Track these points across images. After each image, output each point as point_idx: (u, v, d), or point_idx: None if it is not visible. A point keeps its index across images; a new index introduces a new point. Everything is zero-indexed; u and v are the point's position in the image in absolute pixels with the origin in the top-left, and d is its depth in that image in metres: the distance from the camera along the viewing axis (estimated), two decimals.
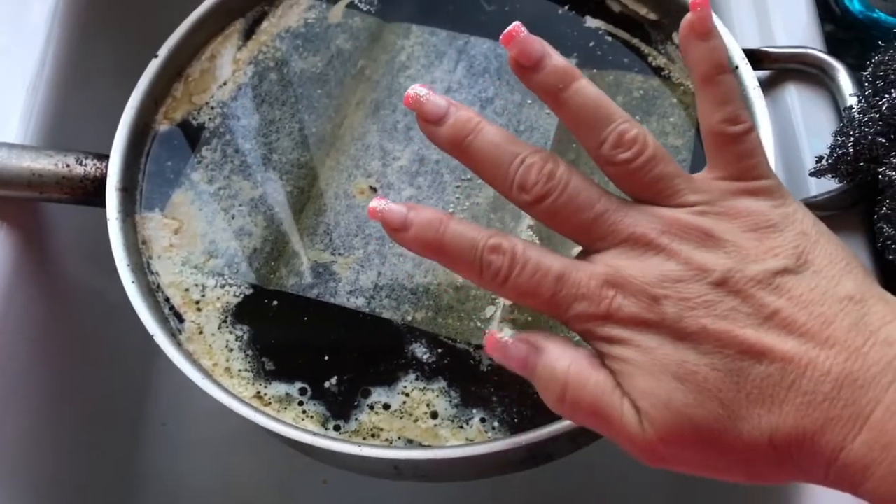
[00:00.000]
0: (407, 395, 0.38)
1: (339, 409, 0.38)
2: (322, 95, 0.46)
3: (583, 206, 0.28)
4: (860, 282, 0.26)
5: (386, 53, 0.47)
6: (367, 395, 0.38)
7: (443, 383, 0.38)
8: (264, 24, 0.48)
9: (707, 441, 0.26)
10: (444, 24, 0.48)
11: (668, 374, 0.26)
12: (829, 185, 0.41)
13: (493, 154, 0.28)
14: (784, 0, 0.48)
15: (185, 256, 0.42)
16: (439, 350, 0.39)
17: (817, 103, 0.45)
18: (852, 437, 0.24)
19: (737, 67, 0.42)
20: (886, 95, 0.38)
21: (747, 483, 0.27)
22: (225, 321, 0.40)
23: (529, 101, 0.45)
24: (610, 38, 0.47)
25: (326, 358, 0.39)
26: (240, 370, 0.39)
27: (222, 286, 0.41)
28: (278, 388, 0.38)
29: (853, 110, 0.40)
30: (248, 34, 0.48)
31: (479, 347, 0.39)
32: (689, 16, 0.29)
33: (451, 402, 0.38)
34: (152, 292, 0.40)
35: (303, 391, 0.38)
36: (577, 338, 0.32)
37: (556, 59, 0.29)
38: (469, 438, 0.37)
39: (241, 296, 0.41)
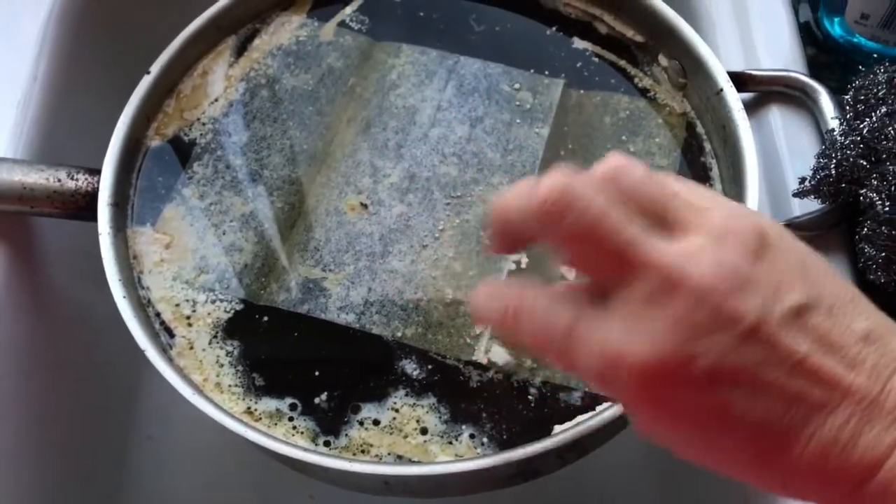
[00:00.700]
0: (397, 410, 0.38)
1: (330, 424, 0.38)
2: (313, 113, 0.47)
3: (611, 231, 0.25)
4: (870, 315, 0.26)
5: (376, 72, 0.48)
6: (356, 410, 0.38)
7: (432, 399, 0.39)
8: (256, 41, 0.49)
9: (727, 467, 0.26)
10: (434, 43, 0.49)
11: (695, 436, 0.26)
12: (811, 205, 0.42)
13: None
14: (767, 24, 0.49)
15: (176, 271, 0.42)
16: (429, 366, 0.39)
17: (800, 125, 0.46)
18: (867, 480, 0.24)
19: (721, 90, 0.43)
20: (867, 119, 0.39)
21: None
22: (216, 336, 0.40)
23: (518, 121, 0.46)
24: (597, 60, 0.48)
25: (317, 373, 0.39)
26: (230, 385, 0.39)
27: (213, 301, 0.41)
28: (268, 404, 0.39)
29: (835, 133, 0.41)
30: (240, 51, 0.48)
31: (468, 364, 0.39)
32: None
33: (440, 417, 0.38)
34: (143, 307, 0.40)
35: (293, 406, 0.39)
36: None
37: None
38: (459, 454, 0.37)
39: (232, 311, 0.41)
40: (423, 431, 0.38)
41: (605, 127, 0.46)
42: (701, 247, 0.25)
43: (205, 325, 0.41)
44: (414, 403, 0.38)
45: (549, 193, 0.25)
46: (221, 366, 0.40)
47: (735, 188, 0.41)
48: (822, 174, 0.40)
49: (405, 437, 0.38)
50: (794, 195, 0.42)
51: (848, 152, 0.39)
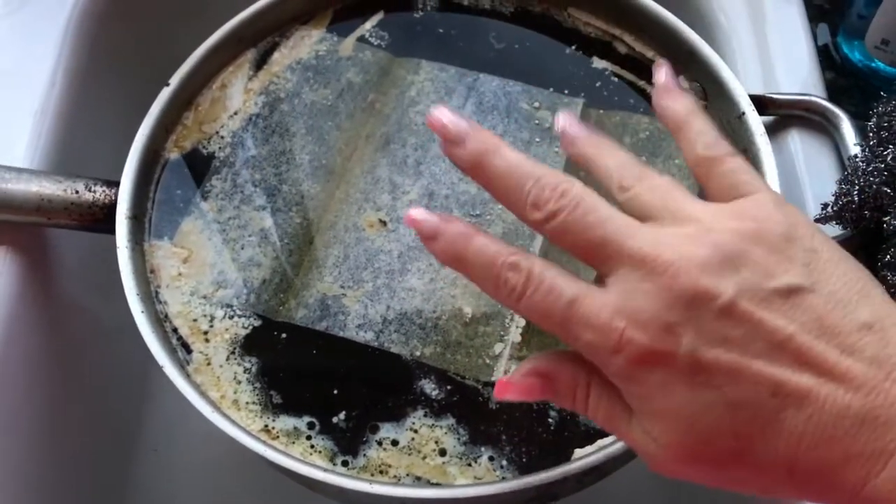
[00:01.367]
0: (415, 431, 0.38)
1: (348, 444, 0.38)
2: (332, 128, 0.46)
3: (593, 225, 0.27)
4: (878, 306, 0.25)
5: (396, 88, 0.48)
6: (375, 430, 0.38)
7: (451, 420, 0.38)
8: (275, 54, 0.49)
9: (721, 466, 0.26)
10: (453, 60, 0.49)
11: (681, 414, 0.26)
12: (832, 231, 0.42)
13: (510, 173, 0.29)
14: (787, 48, 0.49)
15: (194, 286, 0.42)
16: (448, 387, 0.39)
17: (819, 150, 0.46)
18: (875, 472, 0.24)
19: (743, 113, 0.43)
20: (891, 146, 0.39)
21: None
22: (233, 353, 0.40)
23: (538, 140, 0.46)
24: (616, 79, 0.48)
25: (335, 392, 0.39)
26: (247, 403, 0.39)
27: (231, 317, 0.41)
28: (286, 422, 0.38)
29: (857, 159, 0.41)
30: (260, 64, 0.48)
31: (487, 384, 0.39)
32: (656, 84, 0.32)
33: (459, 439, 0.38)
34: (161, 322, 0.40)
35: (311, 425, 0.38)
36: None
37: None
38: (478, 476, 0.37)
39: (250, 327, 0.41)
40: (442, 453, 0.38)
41: (625, 147, 0.45)
42: (685, 232, 0.27)
43: (222, 340, 0.40)
44: (433, 424, 0.38)
45: (537, 197, 0.28)
46: (239, 382, 0.39)
47: None
48: (844, 200, 0.40)
49: (424, 458, 0.38)
50: (816, 220, 0.41)
51: (871, 179, 0.39)
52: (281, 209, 0.44)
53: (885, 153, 0.39)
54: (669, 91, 0.31)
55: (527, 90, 0.47)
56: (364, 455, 0.38)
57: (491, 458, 0.37)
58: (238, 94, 0.47)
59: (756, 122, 0.42)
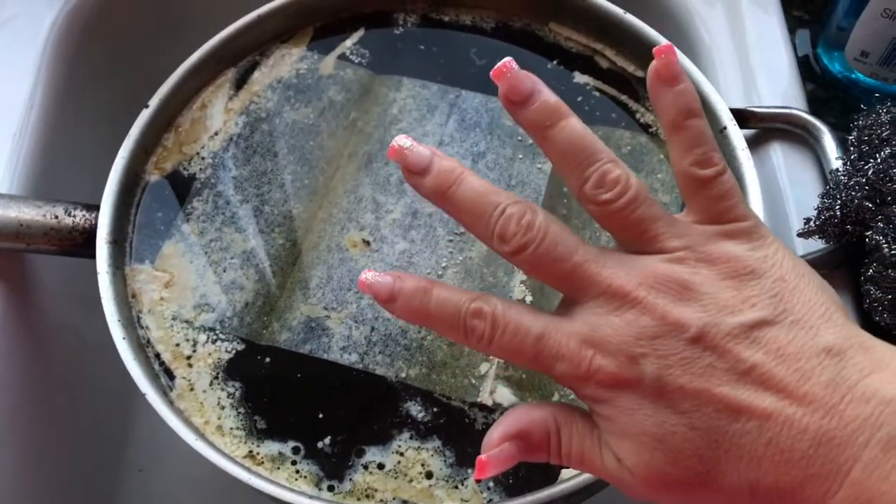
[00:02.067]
0: (401, 454, 0.38)
1: (333, 468, 0.38)
2: (314, 147, 0.46)
3: (561, 257, 0.28)
4: (839, 330, 0.26)
5: (378, 106, 0.47)
6: (361, 454, 0.38)
7: (438, 442, 0.38)
8: (256, 74, 0.48)
9: (689, 490, 0.27)
10: (435, 77, 0.49)
11: (647, 435, 0.26)
12: (814, 244, 0.42)
13: (474, 204, 0.29)
14: (767, 61, 0.49)
15: (176, 310, 0.41)
16: (434, 408, 0.39)
17: (801, 162, 0.46)
18: (832, 493, 0.24)
19: (725, 128, 0.43)
20: (871, 160, 0.39)
21: None
22: (217, 377, 0.40)
23: (521, 156, 0.46)
24: (598, 94, 0.48)
25: (320, 416, 0.39)
26: (232, 428, 0.38)
27: (214, 341, 0.41)
28: (271, 447, 0.38)
29: (839, 174, 0.41)
30: (240, 84, 0.48)
31: (473, 405, 0.39)
32: (654, 63, 0.29)
33: (445, 461, 0.38)
34: (143, 348, 0.40)
35: (296, 450, 0.38)
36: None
37: (546, 96, 0.29)
38: (464, 499, 0.37)
39: (233, 351, 0.40)
40: (429, 475, 0.37)
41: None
42: (653, 265, 0.28)
43: (205, 365, 0.40)
44: (419, 447, 0.38)
45: (505, 229, 0.28)
46: (223, 408, 0.39)
47: None
48: (826, 215, 0.40)
49: (410, 481, 0.37)
50: (799, 235, 0.42)
51: (853, 193, 0.39)
52: (263, 230, 0.44)
53: (867, 167, 0.39)
54: (670, 80, 0.29)
55: None
56: (350, 479, 0.37)
57: (478, 480, 0.37)
58: (218, 115, 0.47)
59: (738, 137, 0.43)
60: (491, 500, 0.37)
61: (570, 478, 0.36)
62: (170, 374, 0.40)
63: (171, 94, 0.46)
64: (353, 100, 0.48)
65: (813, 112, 0.47)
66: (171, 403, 0.38)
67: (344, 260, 0.43)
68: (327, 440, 0.38)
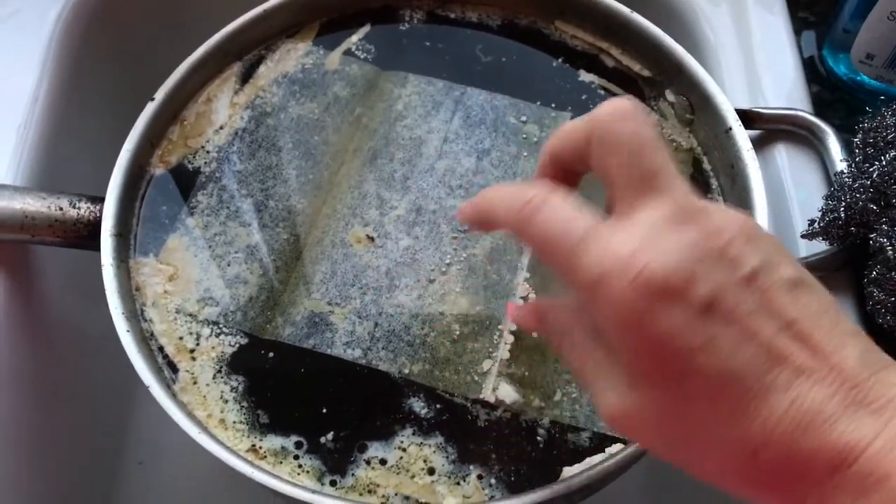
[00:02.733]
0: (404, 450, 0.38)
1: (336, 463, 0.38)
2: (319, 142, 0.46)
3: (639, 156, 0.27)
4: (852, 325, 0.26)
5: (383, 102, 0.47)
6: (363, 449, 0.38)
7: (440, 438, 0.38)
8: (261, 68, 0.48)
9: (684, 442, 0.26)
10: (440, 73, 0.49)
11: (667, 347, 0.25)
12: (818, 246, 0.42)
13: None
14: (773, 62, 0.49)
15: (180, 304, 0.41)
16: (437, 405, 0.39)
17: (806, 164, 0.46)
18: (847, 464, 0.24)
19: (730, 129, 0.43)
20: (876, 163, 0.39)
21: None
22: (220, 371, 0.40)
23: (525, 154, 0.46)
24: (603, 92, 0.48)
25: (323, 411, 0.39)
26: (234, 422, 0.38)
27: (217, 335, 0.41)
28: (274, 442, 0.38)
29: (844, 175, 0.41)
30: (246, 78, 0.48)
31: (476, 402, 0.39)
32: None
33: (448, 457, 0.38)
34: (146, 340, 0.40)
35: (299, 445, 0.38)
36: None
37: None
38: (466, 495, 0.37)
39: (237, 345, 0.40)
40: (431, 472, 0.38)
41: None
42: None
43: (209, 359, 0.40)
44: (421, 443, 0.38)
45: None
46: (226, 402, 0.39)
47: None
48: (830, 217, 0.40)
49: (412, 477, 0.37)
50: (803, 237, 0.42)
51: (857, 196, 0.39)
52: (267, 225, 0.44)
53: (871, 170, 0.39)
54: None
55: (514, 104, 0.47)
56: (352, 474, 0.37)
57: (479, 477, 0.37)
58: (224, 109, 0.47)
59: (743, 138, 0.43)
60: (492, 497, 0.37)
61: (572, 476, 0.36)
62: (173, 367, 0.40)
63: (176, 87, 0.46)
64: (358, 95, 0.48)
65: (818, 114, 0.47)
66: (174, 396, 0.38)
67: (348, 255, 0.43)
68: (330, 435, 0.38)
